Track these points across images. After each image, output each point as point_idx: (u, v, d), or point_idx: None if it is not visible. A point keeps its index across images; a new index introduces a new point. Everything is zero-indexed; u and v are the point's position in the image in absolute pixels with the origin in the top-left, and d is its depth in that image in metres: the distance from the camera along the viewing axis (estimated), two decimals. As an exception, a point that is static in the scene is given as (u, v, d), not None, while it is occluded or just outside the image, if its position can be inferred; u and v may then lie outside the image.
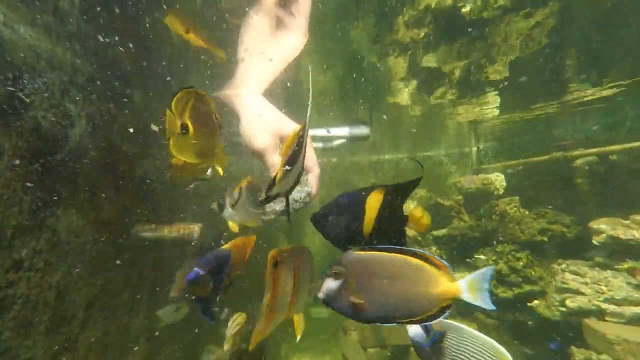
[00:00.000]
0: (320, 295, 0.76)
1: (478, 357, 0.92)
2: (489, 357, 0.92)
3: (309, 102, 0.70)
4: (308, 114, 0.68)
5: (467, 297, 0.72)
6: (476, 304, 0.72)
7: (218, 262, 1.00)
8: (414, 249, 0.76)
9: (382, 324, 0.75)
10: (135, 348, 1.53)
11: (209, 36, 1.62)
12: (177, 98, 0.93)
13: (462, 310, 4.11)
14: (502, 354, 0.92)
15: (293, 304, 0.89)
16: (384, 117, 5.69)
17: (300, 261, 0.92)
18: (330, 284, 0.75)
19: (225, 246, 1.05)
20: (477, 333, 0.95)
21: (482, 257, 4.07)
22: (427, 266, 0.75)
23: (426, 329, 0.97)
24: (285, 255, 0.84)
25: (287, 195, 0.78)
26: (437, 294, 0.73)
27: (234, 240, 1.08)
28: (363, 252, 0.77)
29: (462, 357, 0.94)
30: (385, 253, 0.76)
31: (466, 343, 0.94)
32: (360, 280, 0.75)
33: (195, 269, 0.95)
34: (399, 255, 0.75)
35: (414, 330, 0.98)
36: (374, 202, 0.88)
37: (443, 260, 0.75)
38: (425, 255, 0.76)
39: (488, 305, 0.72)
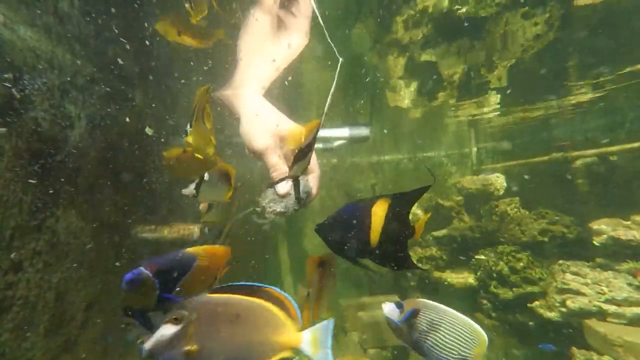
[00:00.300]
0: (147, 346, 0.64)
1: (453, 333, 0.92)
2: (463, 334, 0.92)
3: (331, 92, 0.69)
4: (329, 100, 0.66)
5: (307, 350, 0.69)
6: (314, 359, 0.69)
7: (173, 265, 0.74)
8: (271, 289, 0.72)
9: None
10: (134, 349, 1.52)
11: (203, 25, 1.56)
12: (200, 96, 0.98)
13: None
14: (478, 332, 0.92)
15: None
16: (385, 131, 5.70)
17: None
18: (163, 332, 0.65)
19: (194, 249, 0.84)
20: (451, 311, 0.96)
21: (482, 257, 4.07)
22: (274, 311, 0.70)
23: (400, 306, 0.97)
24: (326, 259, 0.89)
25: (297, 179, 0.79)
26: (279, 343, 0.69)
27: (210, 246, 0.90)
28: (214, 294, 0.70)
29: (437, 334, 0.93)
30: (233, 295, 0.70)
31: (441, 320, 0.94)
32: (202, 325, 0.67)
33: (140, 268, 0.69)
34: (247, 298, 0.70)
35: (388, 307, 0.98)
36: (379, 212, 0.86)
37: (294, 304, 0.72)
38: (279, 298, 0.72)
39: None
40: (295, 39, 1.06)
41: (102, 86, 1.29)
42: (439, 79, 4.01)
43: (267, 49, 1.03)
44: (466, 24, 2.79)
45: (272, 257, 4.79)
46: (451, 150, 7.50)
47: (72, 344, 1.15)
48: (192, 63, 1.94)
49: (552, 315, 3.26)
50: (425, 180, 1.14)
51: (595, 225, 3.37)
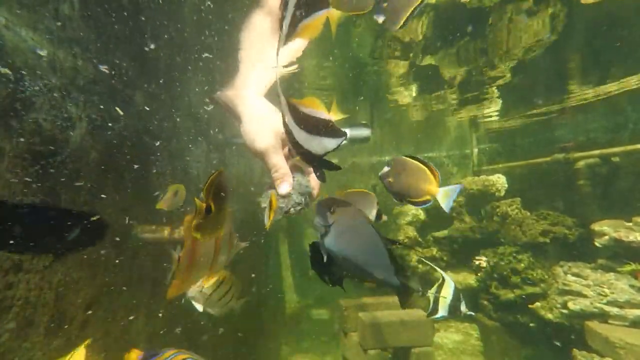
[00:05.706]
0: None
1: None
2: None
3: None
4: None
5: (440, 198, 1.04)
6: (442, 204, 1.04)
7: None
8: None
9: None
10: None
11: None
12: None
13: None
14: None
15: (213, 264, 1.02)
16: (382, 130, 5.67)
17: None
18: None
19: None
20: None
21: (484, 258, 4.06)
22: (427, 171, 1.08)
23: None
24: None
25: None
26: (425, 189, 1.07)
27: None
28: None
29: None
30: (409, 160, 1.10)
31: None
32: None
33: None
34: (415, 162, 1.09)
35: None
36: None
37: (438, 172, 1.08)
38: (431, 167, 1.09)
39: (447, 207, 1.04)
40: (297, 40, 1.05)
41: (103, 87, 1.29)
42: (440, 80, 4.00)
43: (268, 50, 1.03)
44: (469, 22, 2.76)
45: (273, 256, 4.79)
46: (452, 151, 7.49)
47: (73, 344, 1.15)
48: (192, 65, 1.94)
49: (553, 316, 3.25)
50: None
51: (597, 227, 3.35)
